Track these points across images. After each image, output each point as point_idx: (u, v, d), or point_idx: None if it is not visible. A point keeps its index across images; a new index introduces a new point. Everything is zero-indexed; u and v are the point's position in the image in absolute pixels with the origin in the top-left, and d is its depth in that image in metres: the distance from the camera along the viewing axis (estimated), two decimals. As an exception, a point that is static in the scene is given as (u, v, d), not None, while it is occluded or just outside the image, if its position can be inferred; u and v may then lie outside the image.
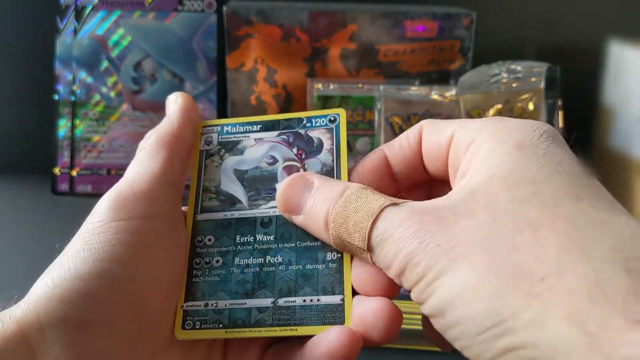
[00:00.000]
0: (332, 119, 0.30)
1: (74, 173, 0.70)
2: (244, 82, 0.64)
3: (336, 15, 0.62)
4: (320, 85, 0.62)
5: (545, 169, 0.21)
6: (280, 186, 0.27)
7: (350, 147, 0.62)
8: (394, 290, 0.25)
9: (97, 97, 0.70)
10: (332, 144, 0.29)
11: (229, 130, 0.31)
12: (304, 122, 0.30)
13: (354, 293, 0.26)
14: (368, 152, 0.29)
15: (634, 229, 0.19)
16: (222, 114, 0.70)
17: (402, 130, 0.63)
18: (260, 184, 0.29)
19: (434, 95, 0.63)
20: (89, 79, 0.70)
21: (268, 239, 0.27)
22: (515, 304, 0.18)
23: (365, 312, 0.24)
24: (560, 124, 0.64)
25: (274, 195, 0.28)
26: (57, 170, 0.71)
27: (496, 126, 0.23)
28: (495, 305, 0.18)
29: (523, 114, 0.63)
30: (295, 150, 0.30)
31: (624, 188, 0.64)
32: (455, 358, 0.43)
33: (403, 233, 0.21)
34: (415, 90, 0.63)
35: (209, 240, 0.28)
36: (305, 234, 0.27)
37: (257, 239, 0.28)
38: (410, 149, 0.27)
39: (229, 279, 0.27)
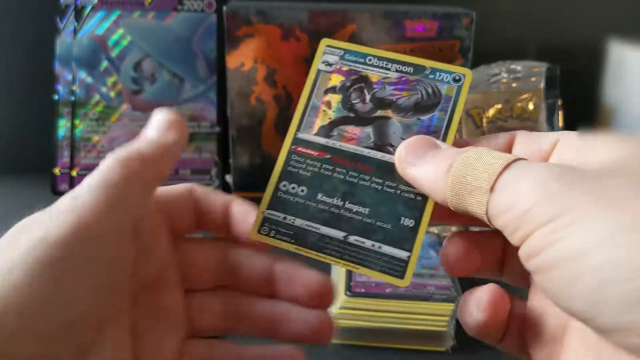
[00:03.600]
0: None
1: (74, 173, 0.70)
2: (243, 82, 0.64)
3: (336, 15, 0.62)
4: (320, 85, 0.62)
5: None
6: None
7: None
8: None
9: (97, 97, 0.70)
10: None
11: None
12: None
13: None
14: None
15: None
16: (222, 114, 0.70)
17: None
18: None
19: (434, 95, 0.63)
20: (89, 79, 0.70)
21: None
22: None
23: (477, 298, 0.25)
24: (560, 123, 0.64)
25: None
26: (57, 171, 0.71)
27: (608, 137, 0.23)
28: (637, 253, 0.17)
29: (523, 114, 0.63)
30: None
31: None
32: (455, 358, 0.43)
33: (541, 173, 0.21)
34: (415, 90, 0.63)
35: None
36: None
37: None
38: (500, 148, 0.26)
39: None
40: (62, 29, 0.71)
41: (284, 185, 0.28)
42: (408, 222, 0.26)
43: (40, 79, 0.73)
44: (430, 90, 0.28)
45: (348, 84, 0.29)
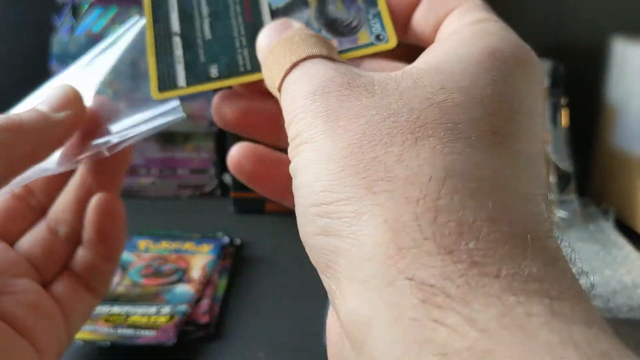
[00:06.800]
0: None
1: (71, 172, 0.70)
2: (243, 80, 0.64)
3: (336, 12, 0.62)
4: (320, 84, 0.62)
5: (493, 99, 0.18)
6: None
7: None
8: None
9: (94, 95, 0.70)
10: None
11: None
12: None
13: None
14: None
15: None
16: (220, 112, 0.70)
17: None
18: None
19: (436, 94, 0.63)
20: (86, 77, 0.70)
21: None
22: (348, 192, 0.17)
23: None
24: (564, 122, 0.63)
25: None
26: (53, 170, 0.70)
27: (491, 24, 0.22)
28: (330, 185, 0.17)
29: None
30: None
31: (627, 187, 0.64)
32: None
33: (312, 81, 0.20)
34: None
35: None
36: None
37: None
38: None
39: None
40: (59, 27, 0.70)
41: None
42: (213, 71, 0.25)
43: (36, 77, 0.72)
44: (354, 24, 0.25)
45: None
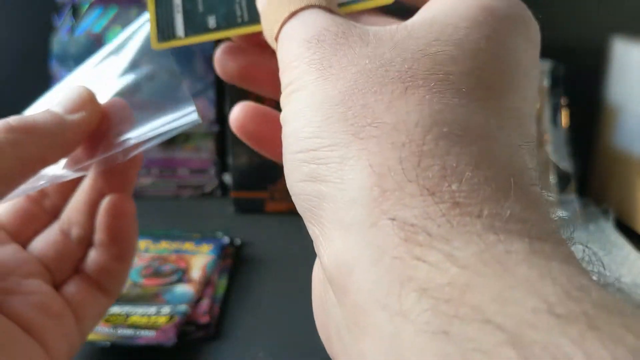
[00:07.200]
0: None
1: (71, 172, 0.70)
2: (242, 81, 0.63)
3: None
4: (320, 84, 0.61)
5: (488, 54, 0.18)
6: None
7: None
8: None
9: (94, 95, 0.70)
10: None
11: None
12: None
13: None
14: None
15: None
16: (221, 111, 0.70)
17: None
18: None
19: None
20: (86, 77, 0.70)
21: None
22: (336, 138, 0.17)
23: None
24: (564, 122, 0.63)
25: None
26: (53, 170, 0.70)
27: None
28: (318, 132, 0.17)
29: (526, 113, 0.62)
30: None
31: (627, 187, 0.64)
32: None
33: (307, 31, 0.20)
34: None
35: None
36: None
37: None
38: None
39: None
40: (58, 27, 0.70)
41: None
42: (211, 21, 0.25)
43: (36, 77, 0.72)
44: None
45: None
